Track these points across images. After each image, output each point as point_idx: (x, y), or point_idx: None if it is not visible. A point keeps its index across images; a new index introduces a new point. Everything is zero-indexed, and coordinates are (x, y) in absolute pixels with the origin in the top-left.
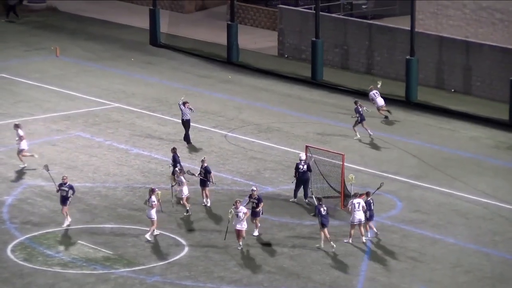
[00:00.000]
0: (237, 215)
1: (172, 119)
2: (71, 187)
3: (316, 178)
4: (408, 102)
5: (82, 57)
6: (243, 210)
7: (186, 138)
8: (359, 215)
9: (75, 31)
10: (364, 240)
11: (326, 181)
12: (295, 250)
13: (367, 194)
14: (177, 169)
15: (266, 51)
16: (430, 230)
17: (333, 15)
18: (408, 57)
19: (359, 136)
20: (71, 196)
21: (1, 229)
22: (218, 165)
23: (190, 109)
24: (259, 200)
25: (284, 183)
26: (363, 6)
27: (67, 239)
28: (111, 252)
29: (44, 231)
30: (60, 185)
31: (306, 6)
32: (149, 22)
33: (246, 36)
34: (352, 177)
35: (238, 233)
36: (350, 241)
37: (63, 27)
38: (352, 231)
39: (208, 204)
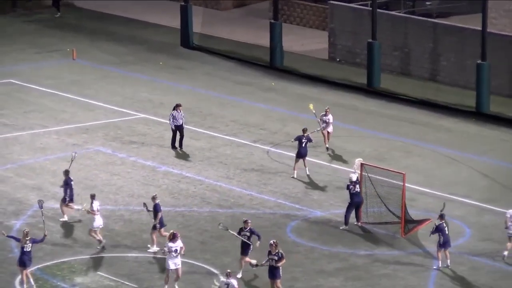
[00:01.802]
0: None
1: (206, 132)
2: (33, 241)
3: (373, 201)
4: (479, 114)
5: (103, 61)
6: (234, 283)
7: (180, 143)
8: None
9: (94, 30)
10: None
11: (384, 205)
12: (348, 284)
13: (441, 217)
14: (66, 196)
15: (315, 54)
16: (502, 262)
17: (392, 12)
18: (479, 61)
19: (295, 175)
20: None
21: (8, 258)
22: (259, 185)
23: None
24: (280, 256)
25: (336, 207)
26: (427, 3)
27: (84, 270)
28: (135, 286)
29: (58, 261)
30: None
31: (361, 2)
32: (180, 21)
33: (292, 36)
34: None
35: None
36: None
37: (80, 26)
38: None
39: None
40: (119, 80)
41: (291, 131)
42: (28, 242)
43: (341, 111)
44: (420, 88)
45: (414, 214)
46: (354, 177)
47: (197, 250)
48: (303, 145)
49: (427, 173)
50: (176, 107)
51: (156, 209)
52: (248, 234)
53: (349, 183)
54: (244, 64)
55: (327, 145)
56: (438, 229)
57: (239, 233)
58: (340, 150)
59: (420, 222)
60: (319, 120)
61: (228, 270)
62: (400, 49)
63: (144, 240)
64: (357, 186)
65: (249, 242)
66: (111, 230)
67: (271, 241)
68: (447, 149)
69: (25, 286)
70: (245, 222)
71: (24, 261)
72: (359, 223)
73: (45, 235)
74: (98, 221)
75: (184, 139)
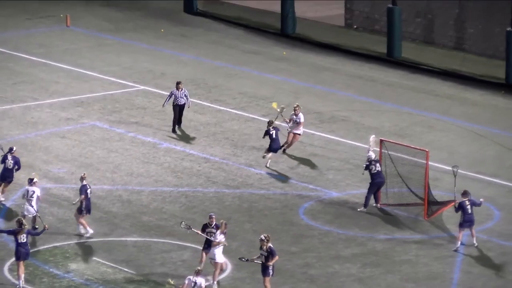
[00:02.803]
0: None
1: (211, 105)
2: (28, 233)
3: (393, 180)
4: (508, 86)
5: (99, 28)
6: (201, 283)
7: (178, 122)
8: None
9: None
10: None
11: (406, 185)
12: (365, 271)
13: (464, 194)
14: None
15: (330, 20)
16: None
17: None
18: (508, 29)
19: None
20: (27, 244)
21: None
22: (270, 163)
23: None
24: (271, 253)
25: (353, 187)
26: None
27: (79, 255)
28: (134, 272)
29: (51, 245)
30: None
31: None
32: None
33: (305, 1)
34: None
35: None
36: None
37: None
38: None
39: (88, 234)
40: (116, 49)
41: (304, 104)
42: (22, 232)
43: (359, 83)
44: (445, 58)
45: (438, 194)
46: (373, 155)
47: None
48: (274, 136)
49: (452, 150)
50: (177, 85)
51: (81, 191)
52: (214, 230)
53: (368, 163)
54: (253, 32)
55: (285, 147)
56: (460, 207)
57: (203, 230)
58: (357, 125)
59: (444, 203)
60: (287, 120)
61: (198, 268)
62: (423, 15)
63: (144, 222)
64: (378, 164)
65: (212, 239)
66: (108, 212)
67: (262, 236)
68: (473, 124)
69: (21, 281)
70: (210, 217)
71: (18, 253)
72: (378, 205)
73: (45, 228)
74: (30, 209)
75: (183, 119)
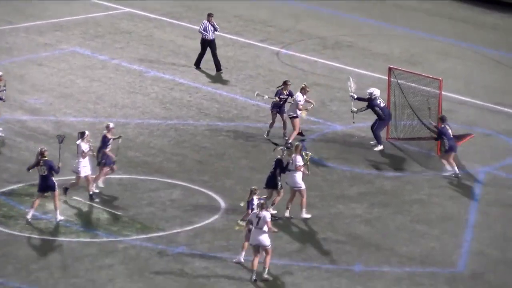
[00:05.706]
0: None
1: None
2: (50, 167)
3: (403, 112)
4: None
5: None
6: (266, 216)
7: (217, 65)
8: None
9: None
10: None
11: (417, 117)
12: (373, 211)
13: (441, 119)
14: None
15: None
16: None
17: None
18: None
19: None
20: (54, 180)
21: None
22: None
23: (214, 26)
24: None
25: (359, 119)
26: None
27: (58, 194)
28: (119, 213)
29: (27, 184)
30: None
31: None
32: None
33: None
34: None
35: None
36: None
37: None
38: None
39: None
40: None
41: (305, 29)
42: (42, 164)
43: (366, 5)
44: None
45: (453, 127)
46: (377, 91)
47: (193, 171)
48: (282, 99)
49: (468, 79)
50: (208, 16)
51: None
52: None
53: (372, 97)
54: None
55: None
56: (441, 133)
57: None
58: (364, 51)
59: (460, 137)
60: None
61: (262, 201)
62: None
63: (129, 158)
64: (381, 99)
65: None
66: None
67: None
68: (492, 49)
69: (32, 212)
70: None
71: (39, 185)
72: (386, 139)
73: (58, 167)
74: (85, 168)
75: (217, 57)
